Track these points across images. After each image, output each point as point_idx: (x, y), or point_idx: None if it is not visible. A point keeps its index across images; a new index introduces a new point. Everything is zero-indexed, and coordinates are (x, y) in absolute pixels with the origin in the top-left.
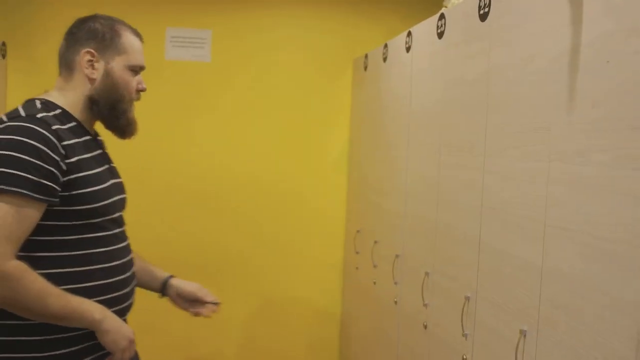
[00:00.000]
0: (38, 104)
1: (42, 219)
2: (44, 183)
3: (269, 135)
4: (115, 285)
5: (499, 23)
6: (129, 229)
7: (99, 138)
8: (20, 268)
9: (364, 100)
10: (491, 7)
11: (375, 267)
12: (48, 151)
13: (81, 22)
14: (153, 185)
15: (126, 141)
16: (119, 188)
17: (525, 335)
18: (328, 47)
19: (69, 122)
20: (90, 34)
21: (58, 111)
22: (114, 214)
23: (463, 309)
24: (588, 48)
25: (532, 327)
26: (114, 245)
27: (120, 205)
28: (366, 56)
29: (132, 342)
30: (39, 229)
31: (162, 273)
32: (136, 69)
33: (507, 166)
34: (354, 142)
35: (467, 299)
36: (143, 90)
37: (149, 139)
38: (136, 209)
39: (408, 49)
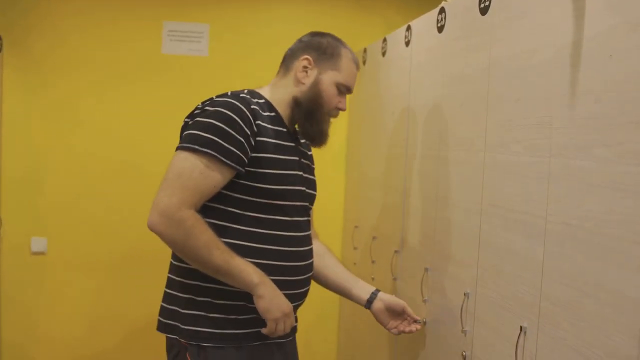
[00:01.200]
0: (245, 91)
1: (231, 190)
2: (232, 150)
3: None
4: (289, 269)
5: (499, 17)
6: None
7: (302, 141)
8: (195, 217)
9: (362, 95)
10: (492, 0)
11: (373, 262)
12: (241, 123)
13: (313, 35)
14: (154, 179)
15: (126, 136)
16: (308, 183)
17: (525, 332)
18: None
19: (270, 112)
20: (315, 45)
21: (262, 100)
22: (296, 201)
23: (462, 305)
24: (590, 42)
25: (532, 324)
26: (294, 232)
27: (306, 197)
28: (365, 50)
29: (286, 315)
30: (228, 200)
31: (369, 286)
32: (343, 89)
33: (507, 162)
34: (352, 137)
35: (467, 295)
36: (342, 109)
37: (146, 133)
38: (137, 201)
39: (407, 43)
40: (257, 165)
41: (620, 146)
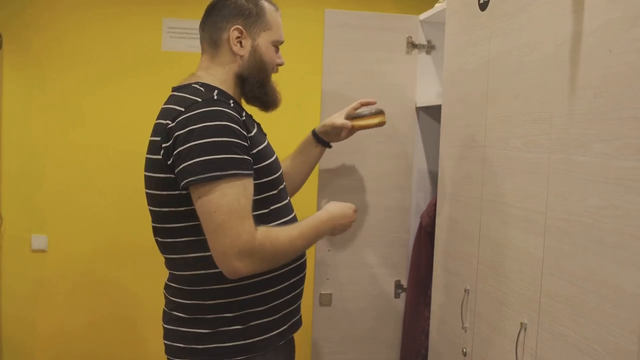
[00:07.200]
0: (199, 87)
1: None
2: (245, 158)
3: (265, 128)
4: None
5: (499, 12)
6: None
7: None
8: (262, 233)
9: None
10: None
11: None
12: (237, 127)
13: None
14: None
15: (126, 133)
16: (279, 160)
17: (525, 329)
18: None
19: (230, 100)
20: (237, 9)
21: (216, 92)
22: (282, 184)
23: (462, 302)
24: (590, 37)
25: (532, 320)
26: (289, 214)
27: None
28: None
29: (348, 217)
30: None
31: (307, 137)
32: (277, 45)
33: (507, 157)
34: None
35: (467, 291)
36: (281, 64)
37: (147, 130)
38: (138, 199)
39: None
40: (255, 162)
41: (620, 141)
